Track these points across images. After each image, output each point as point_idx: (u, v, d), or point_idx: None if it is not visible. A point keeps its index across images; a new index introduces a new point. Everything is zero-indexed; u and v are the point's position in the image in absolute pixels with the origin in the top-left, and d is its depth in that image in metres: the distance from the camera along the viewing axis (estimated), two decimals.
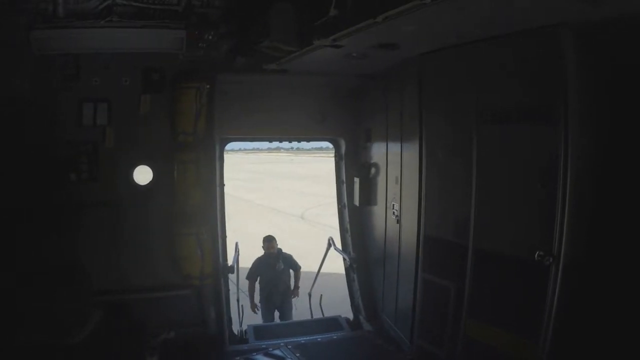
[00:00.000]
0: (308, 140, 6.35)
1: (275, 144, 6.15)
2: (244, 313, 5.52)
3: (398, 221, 5.05)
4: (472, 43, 3.84)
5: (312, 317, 5.76)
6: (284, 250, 7.40)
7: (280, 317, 7.19)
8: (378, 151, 5.56)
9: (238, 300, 5.51)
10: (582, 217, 3.61)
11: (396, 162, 5.05)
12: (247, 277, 7.11)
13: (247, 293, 7.19)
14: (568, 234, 3.40)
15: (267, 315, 7.18)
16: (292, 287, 7.36)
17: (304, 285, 7.22)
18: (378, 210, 5.64)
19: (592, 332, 3.82)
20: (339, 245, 6.52)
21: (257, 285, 7.18)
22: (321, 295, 5.69)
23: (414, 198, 4.60)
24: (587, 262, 3.76)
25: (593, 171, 3.74)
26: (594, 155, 3.68)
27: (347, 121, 5.87)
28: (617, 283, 3.96)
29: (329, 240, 6.67)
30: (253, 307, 7.06)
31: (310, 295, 6.29)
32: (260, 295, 7.13)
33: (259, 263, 7.26)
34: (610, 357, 3.78)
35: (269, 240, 7.29)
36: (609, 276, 3.79)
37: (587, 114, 3.62)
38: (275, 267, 7.09)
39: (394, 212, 5.13)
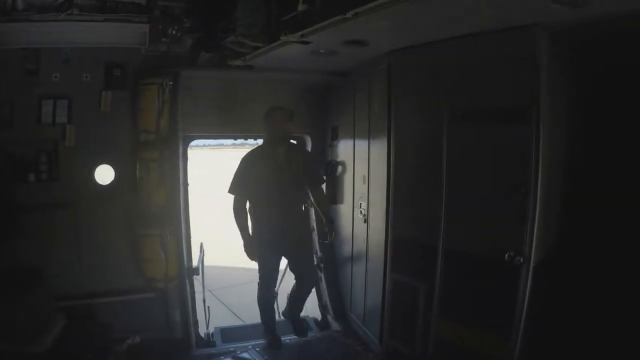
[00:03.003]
0: None
1: (241, 140, 5.86)
2: (210, 315, 5.39)
3: (365, 220, 5.00)
4: (444, 41, 3.80)
5: (279, 317, 5.66)
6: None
7: (295, 276, 5.11)
8: (345, 149, 5.51)
9: (204, 301, 5.37)
10: (553, 217, 3.63)
11: (364, 161, 5.00)
12: (231, 190, 4.76)
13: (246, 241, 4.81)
14: (539, 235, 3.38)
15: (269, 266, 4.96)
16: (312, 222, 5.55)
17: None
18: (345, 209, 5.58)
19: (562, 330, 3.85)
20: None
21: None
22: (287, 294, 5.61)
23: (382, 197, 4.55)
24: (557, 262, 3.79)
25: (564, 172, 3.76)
26: (566, 157, 3.70)
27: (314, 119, 5.81)
28: (586, 282, 3.99)
29: None
30: (253, 253, 4.82)
31: (276, 293, 6.16)
32: (256, 230, 4.83)
33: (252, 159, 4.79)
34: (579, 353, 3.81)
35: (279, 110, 4.73)
36: (578, 275, 3.82)
37: (560, 115, 3.64)
38: (282, 168, 4.72)
39: (361, 212, 5.08)
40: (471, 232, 3.77)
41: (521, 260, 3.42)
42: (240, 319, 6.82)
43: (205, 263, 5.42)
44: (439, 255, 3.99)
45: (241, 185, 4.73)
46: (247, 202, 4.83)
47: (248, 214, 4.84)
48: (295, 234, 4.87)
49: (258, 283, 5.09)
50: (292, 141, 4.96)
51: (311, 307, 5.91)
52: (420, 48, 4.01)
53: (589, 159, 4.08)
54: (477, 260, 3.71)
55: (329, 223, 5.07)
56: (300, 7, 3.56)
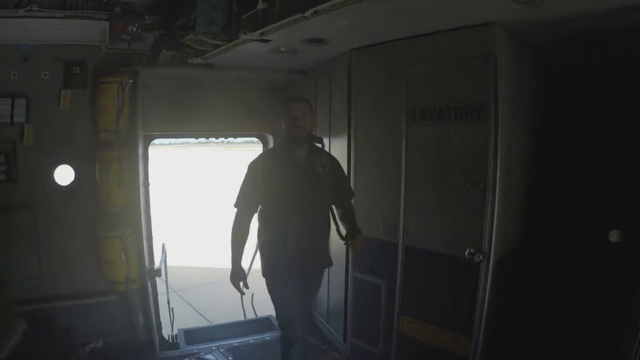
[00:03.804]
0: (235, 137, 6.25)
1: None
2: (174, 316, 5.32)
3: None
4: (404, 39, 3.83)
5: (245, 317, 5.63)
6: None
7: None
8: None
9: (168, 303, 5.31)
10: (512, 214, 3.68)
11: None
12: (238, 204, 3.70)
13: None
14: (498, 232, 3.42)
15: (294, 301, 3.73)
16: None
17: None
18: None
19: (521, 325, 3.92)
20: None
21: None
22: (252, 294, 5.55)
23: None
24: (516, 259, 3.84)
25: (522, 169, 3.81)
26: (524, 154, 3.75)
27: (274, 116, 5.78)
28: (543, 277, 4.07)
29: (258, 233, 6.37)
30: (242, 283, 3.71)
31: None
32: (269, 245, 3.73)
33: (266, 165, 3.74)
34: (538, 348, 3.87)
35: (299, 103, 3.72)
36: (538, 271, 3.89)
37: (518, 113, 3.69)
38: (305, 176, 3.65)
39: None
40: (431, 229, 3.81)
41: (481, 257, 3.47)
42: (206, 319, 6.77)
43: (171, 264, 5.36)
44: (400, 253, 4.01)
45: (251, 198, 3.70)
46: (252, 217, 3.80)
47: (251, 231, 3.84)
48: (318, 258, 3.86)
49: (281, 337, 3.94)
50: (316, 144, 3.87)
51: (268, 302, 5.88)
52: (380, 47, 4.03)
53: (547, 156, 4.16)
54: (437, 257, 3.74)
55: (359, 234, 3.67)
56: (260, 6, 3.57)
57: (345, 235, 3.65)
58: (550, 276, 4.23)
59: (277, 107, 5.60)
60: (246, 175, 3.79)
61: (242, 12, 3.81)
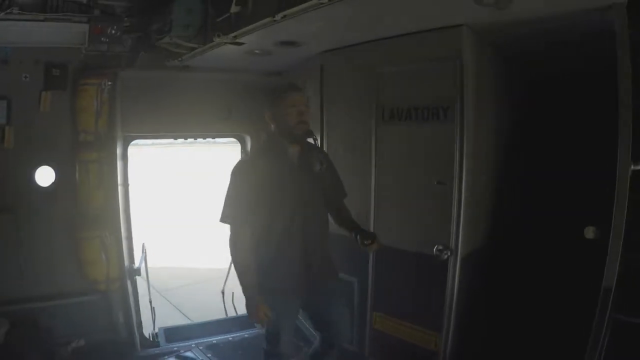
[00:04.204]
0: (214, 137, 6.31)
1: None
2: (156, 315, 5.39)
3: None
4: (374, 42, 3.91)
5: (227, 316, 5.69)
6: None
7: (321, 332, 3.58)
8: None
9: (150, 302, 5.37)
10: (479, 211, 3.76)
11: None
12: (225, 218, 3.12)
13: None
14: (464, 229, 3.52)
15: (285, 322, 3.31)
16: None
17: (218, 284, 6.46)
18: None
19: (489, 320, 4.00)
20: None
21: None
22: (233, 293, 5.63)
23: None
24: (484, 255, 3.93)
25: (488, 168, 3.89)
26: (489, 153, 3.84)
27: (254, 117, 5.83)
28: (515, 274, 4.15)
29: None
30: (259, 312, 3.06)
31: (223, 293, 6.18)
32: (265, 264, 3.15)
33: (252, 166, 3.25)
34: (506, 342, 3.96)
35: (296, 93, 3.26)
36: (505, 267, 3.97)
37: (486, 113, 3.77)
38: (299, 174, 3.22)
39: None
40: (401, 227, 3.88)
41: (448, 254, 3.56)
42: (189, 318, 6.83)
43: (155, 264, 5.40)
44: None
45: (241, 208, 3.09)
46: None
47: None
48: (322, 270, 3.33)
49: (265, 349, 3.40)
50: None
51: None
52: (351, 49, 4.11)
53: (512, 155, 4.24)
54: (407, 254, 3.82)
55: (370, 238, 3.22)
56: (233, 9, 3.62)
57: (362, 235, 3.20)
58: (521, 272, 4.33)
59: (256, 108, 5.71)
60: (233, 183, 3.16)
61: (217, 15, 3.86)
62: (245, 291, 3.10)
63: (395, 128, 3.83)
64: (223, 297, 6.20)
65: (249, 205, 3.07)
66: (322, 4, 2.91)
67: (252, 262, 3.08)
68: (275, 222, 3.14)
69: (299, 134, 3.14)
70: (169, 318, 6.38)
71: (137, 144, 5.53)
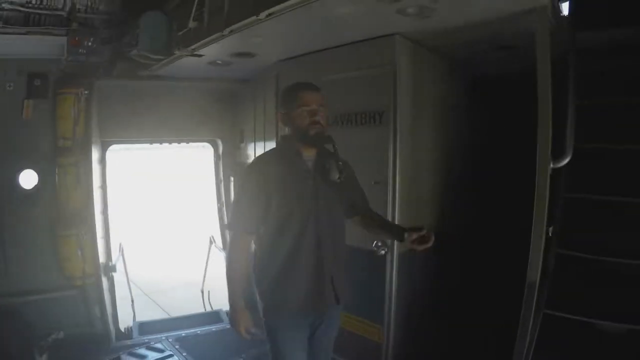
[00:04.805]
0: (188, 142, 6.62)
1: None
2: (135, 310, 5.67)
3: None
4: (322, 51, 4.22)
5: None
6: None
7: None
8: (250, 151, 5.81)
9: (132, 300, 5.65)
10: (415, 209, 3.99)
11: None
12: (233, 225, 2.88)
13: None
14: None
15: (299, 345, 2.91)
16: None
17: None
18: None
19: (431, 314, 4.21)
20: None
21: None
22: (209, 291, 5.90)
23: None
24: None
25: (421, 169, 4.13)
26: (422, 155, 4.08)
27: (224, 123, 6.13)
28: (447, 268, 4.36)
29: (210, 238, 6.72)
30: (245, 324, 2.82)
31: (202, 292, 6.44)
32: (275, 280, 2.84)
33: (265, 170, 2.84)
34: (447, 334, 4.23)
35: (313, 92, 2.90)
36: (440, 262, 4.18)
37: (423, 116, 4.01)
38: (315, 180, 2.84)
39: None
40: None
41: (385, 250, 3.82)
42: (168, 314, 7.06)
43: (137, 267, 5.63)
44: None
45: (250, 214, 2.81)
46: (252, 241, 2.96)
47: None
48: (336, 291, 2.95)
49: None
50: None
51: (223, 298, 6.18)
52: (301, 58, 4.41)
53: (453, 155, 4.47)
54: (352, 251, 4.02)
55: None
56: (191, 24, 3.96)
57: (413, 229, 2.83)
58: (460, 268, 4.54)
59: (226, 114, 5.99)
60: (241, 186, 2.97)
61: (180, 30, 4.18)
62: (231, 303, 2.86)
63: (339, 132, 4.05)
64: (202, 296, 6.47)
65: (260, 213, 2.78)
66: (259, 20, 3.23)
67: (245, 274, 2.87)
68: (286, 234, 2.78)
69: (313, 135, 2.79)
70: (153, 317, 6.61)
71: (114, 149, 5.85)
